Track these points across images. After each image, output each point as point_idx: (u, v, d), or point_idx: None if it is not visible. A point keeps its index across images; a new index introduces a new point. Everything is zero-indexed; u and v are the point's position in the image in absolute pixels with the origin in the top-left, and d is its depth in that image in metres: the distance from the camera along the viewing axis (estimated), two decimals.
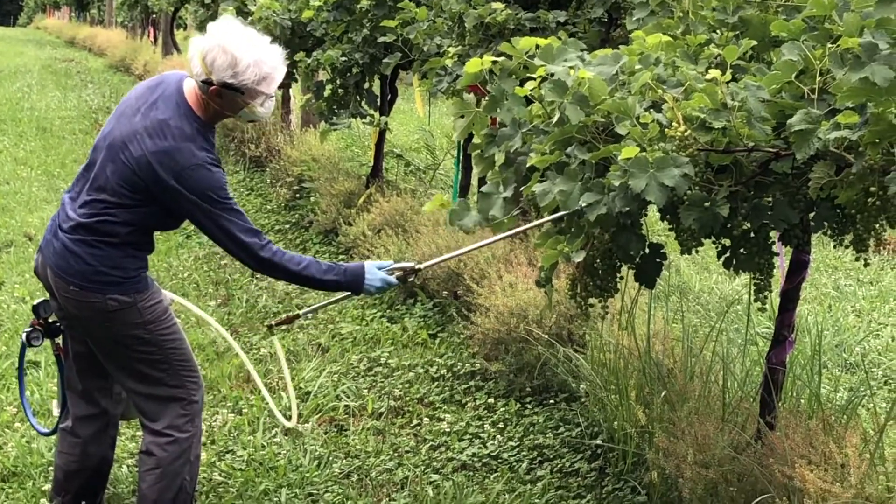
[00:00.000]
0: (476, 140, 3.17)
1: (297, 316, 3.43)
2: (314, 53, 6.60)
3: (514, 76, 3.12)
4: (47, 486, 3.55)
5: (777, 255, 2.77)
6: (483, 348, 4.78)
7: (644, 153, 2.43)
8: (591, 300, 2.98)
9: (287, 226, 7.77)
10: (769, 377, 3.15)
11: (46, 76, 18.25)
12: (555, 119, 2.71)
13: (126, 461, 3.86)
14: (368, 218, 6.60)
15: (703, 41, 2.83)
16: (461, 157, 5.97)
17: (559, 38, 3.02)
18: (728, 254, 2.73)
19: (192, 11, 13.25)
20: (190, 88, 3.05)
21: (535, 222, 2.98)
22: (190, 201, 2.96)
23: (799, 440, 2.97)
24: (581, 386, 4.30)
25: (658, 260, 2.82)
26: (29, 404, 3.72)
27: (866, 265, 2.64)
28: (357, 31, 6.34)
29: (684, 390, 3.67)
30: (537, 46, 2.99)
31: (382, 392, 4.67)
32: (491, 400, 4.53)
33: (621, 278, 2.96)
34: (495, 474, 3.90)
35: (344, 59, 6.32)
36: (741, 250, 2.71)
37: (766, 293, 2.77)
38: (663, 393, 3.68)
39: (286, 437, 4.18)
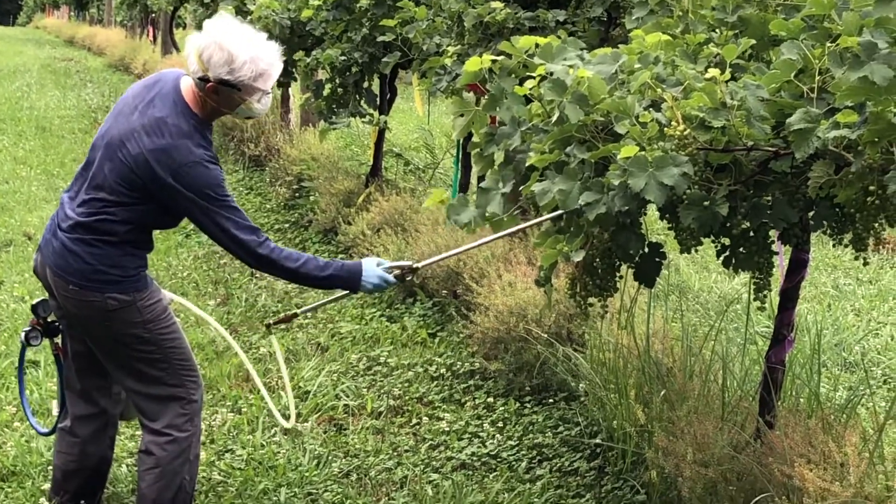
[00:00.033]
0: (475, 139, 3.17)
1: (296, 315, 3.43)
2: (313, 52, 6.60)
3: (513, 75, 3.12)
4: (46, 486, 3.55)
5: (776, 253, 2.77)
6: (482, 347, 4.78)
7: (643, 152, 2.42)
8: (591, 299, 2.98)
9: (286, 225, 7.77)
10: (768, 376, 3.15)
11: (46, 75, 18.25)
12: (554, 118, 2.71)
13: (125, 460, 3.86)
14: (368, 217, 6.60)
15: (703, 40, 2.83)
16: (460, 156, 5.97)
17: (558, 38, 3.01)
18: (727, 253, 2.73)
19: (191, 11, 13.25)
20: (187, 86, 3.05)
21: (533, 221, 2.98)
22: (187, 199, 2.96)
23: (798, 439, 2.97)
24: (580, 385, 4.31)
25: (657, 259, 2.82)
26: (28, 404, 3.72)
27: (865, 264, 2.64)
28: (356, 30, 6.34)
29: (683, 389, 3.67)
30: (537, 45, 2.98)
31: (382, 391, 4.67)
32: (490, 399, 4.53)
33: (621, 277, 2.95)
34: (494, 473, 3.90)
35: (343, 58, 6.32)
36: (740, 249, 2.71)
37: (765, 292, 2.77)
38: (662, 392, 3.68)
39: (285, 437, 4.17)
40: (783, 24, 2.56)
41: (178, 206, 3.01)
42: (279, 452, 4.04)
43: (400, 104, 11.46)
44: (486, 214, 2.98)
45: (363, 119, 6.70)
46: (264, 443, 4.11)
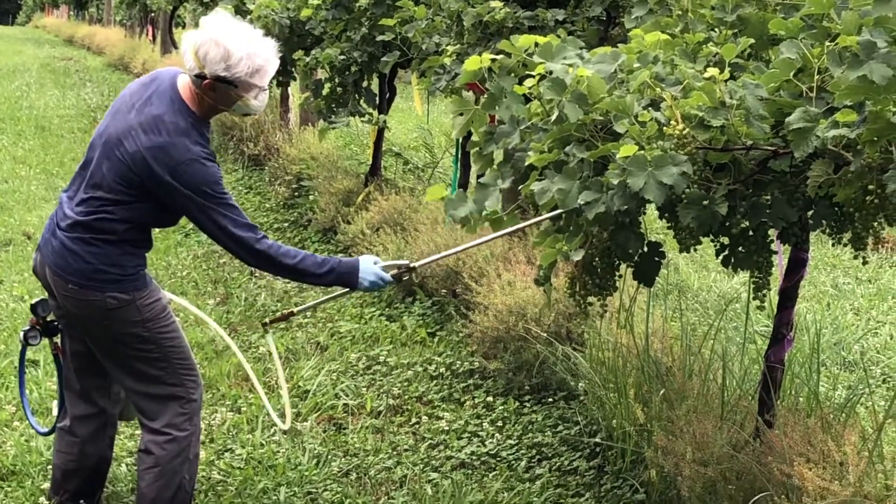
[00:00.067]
0: (475, 138, 3.17)
1: (293, 313, 3.43)
2: (313, 52, 6.60)
3: (512, 74, 3.11)
4: (46, 485, 3.55)
5: (775, 252, 2.77)
6: (482, 347, 4.78)
7: (642, 151, 2.42)
8: (590, 298, 2.97)
9: (286, 224, 7.77)
10: (768, 375, 3.15)
11: (45, 75, 18.24)
12: (553, 117, 2.71)
13: (125, 460, 3.86)
14: (367, 216, 6.60)
15: (702, 39, 2.83)
16: (460, 155, 5.97)
17: (558, 37, 3.01)
18: (727, 252, 2.73)
19: (190, 10, 13.25)
20: (184, 84, 3.05)
21: (532, 220, 2.98)
22: (185, 196, 2.96)
23: (797, 438, 2.97)
24: (580, 384, 4.31)
25: (657, 258, 2.82)
26: (28, 403, 3.72)
27: (865, 263, 2.64)
28: (356, 29, 6.34)
29: (683, 388, 3.67)
30: (536, 44, 2.98)
31: (381, 390, 4.67)
32: (490, 398, 4.53)
33: (620, 276, 2.95)
34: (494, 472, 3.90)
35: (342, 57, 6.32)
36: (740, 248, 2.71)
37: (764, 291, 2.77)
38: (662, 391, 3.68)
39: (285, 436, 4.17)
40: (782, 23, 2.56)
41: (176, 204, 3.01)
42: (279, 452, 4.04)
43: (399, 103, 11.45)
44: (485, 211, 2.98)
45: (362, 118, 6.70)
46: (264, 442, 4.11)
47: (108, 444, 3.42)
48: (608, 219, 2.56)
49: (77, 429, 3.32)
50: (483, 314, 4.75)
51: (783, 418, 3.14)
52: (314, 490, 3.76)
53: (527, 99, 2.94)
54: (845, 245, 2.59)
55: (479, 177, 3.12)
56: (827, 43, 2.38)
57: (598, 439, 3.91)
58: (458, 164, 5.99)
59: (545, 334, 4.39)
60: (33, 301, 3.29)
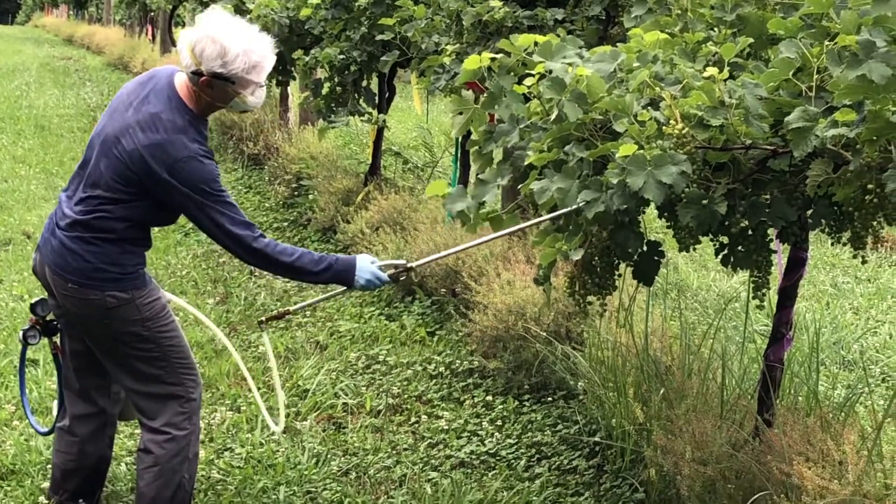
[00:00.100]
0: (474, 137, 3.17)
1: (289, 312, 3.43)
2: (312, 51, 6.60)
3: (512, 73, 3.12)
4: (45, 484, 3.55)
5: (775, 252, 2.77)
6: (481, 346, 4.78)
7: (642, 151, 2.42)
8: (590, 298, 2.98)
9: (285, 223, 7.77)
10: (767, 374, 3.15)
11: (45, 74, 18.24)
12: (553, 116, 2.71)
13: (124, 459, 3.86)
14: (367, 216, 6.60)
15: (701, 39, 2.83)
16: (459, 155, 5.97)
17: (557, 36, 3.01)
18: (726, 251, 2.73)
19: (189, 9, 13.24)
20: (181, 82, 3.05)
21: (530, 222, 2.97)
22: (182, 194, 2.96)
23: (797, 437, 2.97)
24: (579, 383, 4.31)
25: (656, 257, 2.82)
26: (29, 403, 3.72)
27: (864, 262, 2.64)
28: (355, 28, 6.34)
29: (682, 388, 3.67)
30: (536, 44, 2.99)
31: (381, 390, 4.68)
32: (489, 397, 4.53)
33: (619, 276, 2.96)
34: (493, 472, 3.90)
35: (342, 56, 6.32)
36: (739, 248, 2.71)
37: (764, 290, 2.77)
38: (661, 390, 3.68)
39: (284, 435, 4.18)
40: (781, 22, 2.57)
41: (174, 202, 3.01)
42: (278, 451, 4.04)
43: (399, 103, 11.46)
44: (483, 208, 2.98)
45: (362, 118, 6.70)
46: (263, 441, 4.11)
47: (108, 443, 3.42)
48: (607, 218, 2.56)
49: (76, 428, 3.32)
50: (482, 313, 4.75)
51: (782, 417, 3.14)
52: (313, 489, 3.76)
53: (526, 98, 2.94)
54: (844, 244, 2.60)
55: (478, 175, 3.12)
56: (826, 42, 2.38)
57: (597, 438, 3.92)
58: (458, 163, 5.99)
59: (544, 333, 4.39)
60: (33, 300, 3.29)
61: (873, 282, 6.48)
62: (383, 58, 5.95)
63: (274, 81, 7.90)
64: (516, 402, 4.44)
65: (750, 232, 2.66)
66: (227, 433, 4.19)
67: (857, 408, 3.79)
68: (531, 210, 2.97)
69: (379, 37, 5.90)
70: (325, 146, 8.49)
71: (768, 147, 2.45)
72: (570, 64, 2.78)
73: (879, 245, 7.01)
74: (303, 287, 5.96)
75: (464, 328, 4.99)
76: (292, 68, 7.31)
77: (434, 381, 4.76)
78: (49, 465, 3.59)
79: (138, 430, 3.37)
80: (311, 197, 7.72)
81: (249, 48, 2.96)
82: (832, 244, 2.68)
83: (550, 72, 2.75)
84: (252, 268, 6.07)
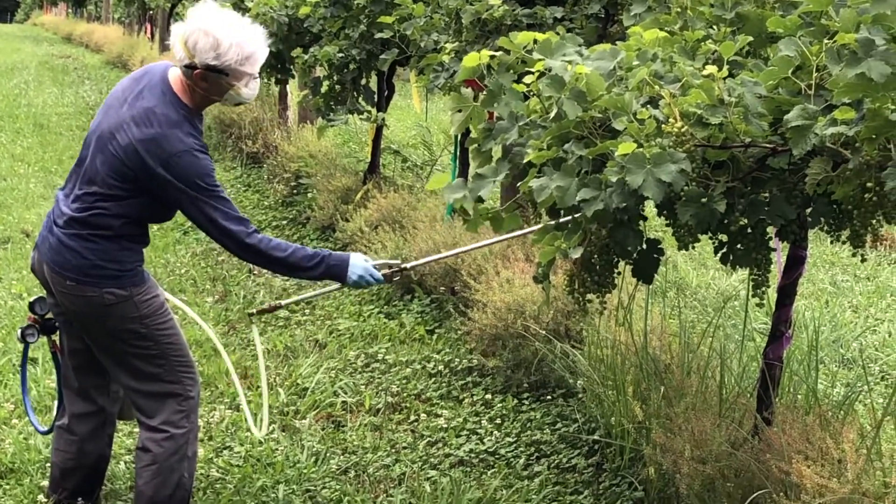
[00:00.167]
0: (473, 134, 3.17)
1: (279, 306, 3.43)
2: (311, 49, 6.60)
3: (511, 71, 3.11)
4: (45, 483, 3.55)
5: (774, 250, 2.76)
6: (480, 344, 4.78)
7: (641, 149, 2.42)
8: (589, 296, 2.97)
9: (284, 222, 7.77)
10: (766, 373, 3.15)
11: (43, 72, 18.23)
12: (552, 114, 2.70)
13: (123, 457, 3.86)
14: (366, 214, 6.60)
15: (701, 37, 2.83)
16: (458, 153, 5.97)
17: (557, 34, 3.01)
18: (725, 249, 2.73)
19: (189, 7, 13.25)
20: (175, 76, 3.05)
21: (529, 229, 2.97)
22: (177, 188, 2.96)
23: (796, 436, 2.97)
24: (578, 382, 4.31)
25: (655, 256, 2.82)
26: (30, 402, 3.71)
27: (863, 261, 2.64)
28: (354, 27, 6.33)
29: (681, 386, 3.67)
30: (535, 41, 2.98)
31: (380, 388, 4.67)
32: (488, 396, 4.53)
33: (619, 274, 2.95)
34: (492, 470, 3.90)
35: (341, 55, 6.32)
36: (738, 246, 2.70)
37: (763, 289, 2.76)
38: (660, 389, 3.68)
39: (283, 434, 4.18)
40: (781, 20, 2.56)
41: (169, 197, 3.00)
42: (277, 449, 4.04)
43: (398, 101, 11.45)
44: (479, 201, 2.97)
45: (361, 116, 6.70)
46: (262, 440, 4.11)
47: (107, 442, 3.41)
48: (607, 216, 2.56)
49: (76, 427, 3.32)
50: (482, 312, 4.75)
51: (781, 416, 3.14)
52: (313, 488, 3.76)
53: (525, 96, 2.94)
54: (844, 242, 2.59)
55: (476, 171, 3.11)
56: (825, 40, 2.38)
57: (596, 437, 3.92)
58: (457, 161, 5.99)
59: (544, 332, 4.39)
60: (31, 299, 3.29)
61: (872, 280, 6.48)
62: (382, 56, 5.94)
63: (273, 80, 7.89)
64: (515, 401, 4.44)
65: (749, 230, 2.66)
66: (226, 431, 4.18)
67: (856, 406, 3.79)
68: (530, 208, 2.97)
69: (378, 35, 5.90)
70: (324, 144, 8.48)
71: (767, 145, 2.45)
72: (569, 62, 2.78)
73: (878, 243, 6.99)
74: (302, 285, 5.96)
75: (463, 326, 4.99)
76: (291, 66, 7.31)
77: (433, 379, 4.76)
78: (48, 464, 3.59)
79: (137, 429, 3.37)
80: (310, 195, 7.72)
81: (242, 39, 2.95)
82: (831, 242, 2.69)
83: (550, 70, 2.75)
84: (251, 266, 6.08)
